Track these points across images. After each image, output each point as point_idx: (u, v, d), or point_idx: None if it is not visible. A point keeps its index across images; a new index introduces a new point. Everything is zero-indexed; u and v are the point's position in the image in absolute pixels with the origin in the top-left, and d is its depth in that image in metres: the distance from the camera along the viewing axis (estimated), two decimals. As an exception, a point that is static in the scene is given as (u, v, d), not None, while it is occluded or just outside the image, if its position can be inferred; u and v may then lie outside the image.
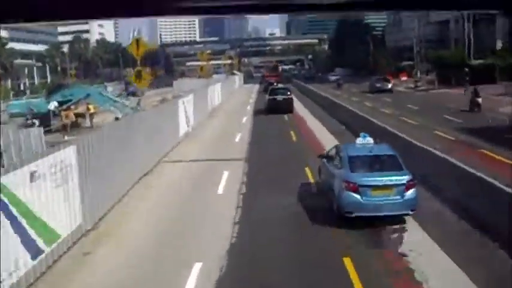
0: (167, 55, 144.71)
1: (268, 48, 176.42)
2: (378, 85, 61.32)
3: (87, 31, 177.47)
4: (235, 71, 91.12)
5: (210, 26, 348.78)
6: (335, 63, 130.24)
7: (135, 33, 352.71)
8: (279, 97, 40.63)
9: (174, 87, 72.20)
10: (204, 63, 72.76)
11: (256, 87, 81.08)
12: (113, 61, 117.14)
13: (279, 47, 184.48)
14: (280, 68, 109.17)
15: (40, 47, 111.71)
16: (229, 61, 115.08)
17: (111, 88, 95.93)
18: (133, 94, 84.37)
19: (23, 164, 9.70)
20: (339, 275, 9.79)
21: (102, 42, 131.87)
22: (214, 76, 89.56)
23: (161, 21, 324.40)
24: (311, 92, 58.21)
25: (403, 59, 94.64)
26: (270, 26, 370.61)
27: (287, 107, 39.45)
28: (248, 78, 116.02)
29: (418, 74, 71.35)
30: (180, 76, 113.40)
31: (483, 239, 11.07)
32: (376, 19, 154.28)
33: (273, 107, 39.61)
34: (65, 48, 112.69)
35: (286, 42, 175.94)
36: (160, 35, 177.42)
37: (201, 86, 49.34)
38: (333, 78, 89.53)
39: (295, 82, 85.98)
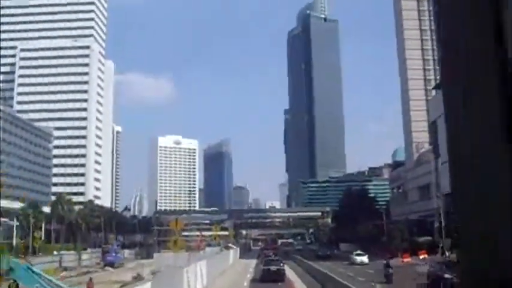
0: (160, 223, 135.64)
1: (268, 220, 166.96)
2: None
3: (82, 193, 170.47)
4: (230, 244, 79.95)
5: (210, 196, 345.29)
6: (339, 237, 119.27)
7: (137, 199, 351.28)
8: (273, 267, 44.03)
9: (155, 260, 61.33)
10: (197, 233, 65.71)
11: (254, 263, 68.40)
12: (98, 225, 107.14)
13: (279, 220, 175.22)
14: (279, 242, 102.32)
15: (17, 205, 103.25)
16: (225, 232, 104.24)
17: (86, 256, 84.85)
18: (112, 265, 73.47)
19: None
20: None
21: (90, 205, 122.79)
22: (207, 249, 79.19)
23: (162, 188, 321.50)
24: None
25: (414, 234, 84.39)
26: (270, 198, 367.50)
27: (279, 277, 42.31)
28: (245, 252, 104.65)
29: (447, 253, 59.96)
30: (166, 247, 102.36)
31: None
32: (379, 191, 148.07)
33: (267, 276, 42.55)
34: (46, 207, 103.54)
35: (287, 214, 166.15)
36: (156, 201, 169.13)
37: (182, 261, 38.10)
38: (358, 259, 67.73)
39: (298, 259, 73.31)
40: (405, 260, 64.47)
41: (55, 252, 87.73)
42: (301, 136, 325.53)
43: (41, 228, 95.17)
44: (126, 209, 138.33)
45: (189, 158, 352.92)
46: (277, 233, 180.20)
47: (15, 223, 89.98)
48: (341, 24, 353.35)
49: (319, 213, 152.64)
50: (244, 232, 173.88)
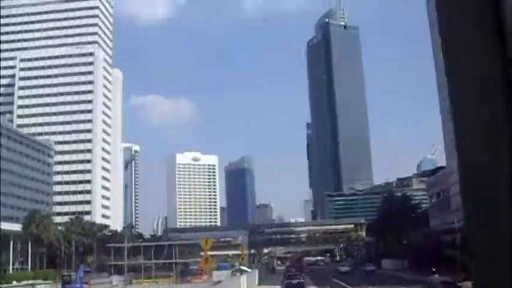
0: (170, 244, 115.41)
1: (293, 236, 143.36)
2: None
3: (88, 212, 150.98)
4: (243, 267, 57.65)
5: (233, 214, 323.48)
6: (379, 252, 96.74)
7: (160, 220, 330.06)
8: (294, 281, 51.02)
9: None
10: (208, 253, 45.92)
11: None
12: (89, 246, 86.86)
13: (305, 235, 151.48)
14: (304, 260, 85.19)
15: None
16: (236, 252, 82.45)
17: None
18: None
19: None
20: None
21: (78, 222, 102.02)
22: (215, 273, 58.38)
23: (181, 206, 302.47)
24: None
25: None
26: (294, 215, 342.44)
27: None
28: (268, 275, 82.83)
29: None
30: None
31: None
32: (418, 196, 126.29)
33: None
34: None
35: (314, 228, 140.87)
36: (166, 218, 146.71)
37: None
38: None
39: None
40: None
41: (25, 282, 67.47)
42: (325, 150, 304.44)
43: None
44: (129, 226, 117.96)
45: (209, 175, 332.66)
46: (303, 250, 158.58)
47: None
48: (362, 31, 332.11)
49: (352, 226, 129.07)
50: (268, 250, 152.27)
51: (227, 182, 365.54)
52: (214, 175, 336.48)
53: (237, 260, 75.71)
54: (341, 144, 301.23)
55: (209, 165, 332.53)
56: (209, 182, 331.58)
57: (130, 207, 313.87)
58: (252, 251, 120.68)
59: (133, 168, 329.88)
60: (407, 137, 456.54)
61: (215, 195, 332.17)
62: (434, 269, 52.69)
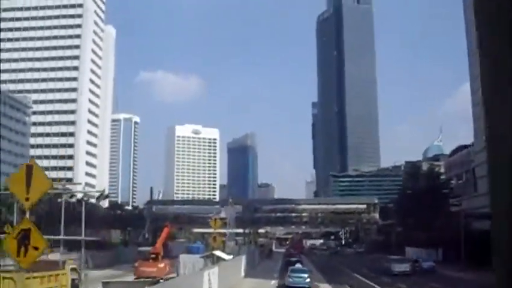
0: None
1: (294, 215, 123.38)
2: None
3: (69, 179, 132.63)
4: (218, 251, 37.20)
5: (234, 192, 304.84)
6: (399, 238, 77.97)
7: (160, 194, 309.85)
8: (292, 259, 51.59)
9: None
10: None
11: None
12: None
13: (307, 214, 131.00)
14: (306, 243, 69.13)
15: None
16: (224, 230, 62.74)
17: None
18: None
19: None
20: None
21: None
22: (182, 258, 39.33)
23: (178, 179, 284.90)
24: None
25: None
26: (296, 196, 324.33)
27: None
28: (262, 260, 64.36)
29: None
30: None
31: None
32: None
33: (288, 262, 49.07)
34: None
35: (319, 207, 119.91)
36: (151, 189, 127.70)
37: None
38: None
39: None
40: None
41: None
42: (331, 130, 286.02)
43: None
44: (102, 195, 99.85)
45: (209, 149, 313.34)
46: (304, 232, 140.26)
47: None
48: (376, 5, 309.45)
49: (364, 206, 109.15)
50: (266, 230, 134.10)
51: (229, 159, 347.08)
52: (215, 149, 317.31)
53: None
54: (348, 124, 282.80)
55: (210, 138, 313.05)
56: (209, 156, 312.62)
57: (129, 179, 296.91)
58: (247, 231, 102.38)
59: (132, 140, 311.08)
60: (417, 120, 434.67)
61: (215, 170, 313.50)
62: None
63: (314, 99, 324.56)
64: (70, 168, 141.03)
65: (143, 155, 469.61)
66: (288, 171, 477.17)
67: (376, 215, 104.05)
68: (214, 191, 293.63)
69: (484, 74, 2.09)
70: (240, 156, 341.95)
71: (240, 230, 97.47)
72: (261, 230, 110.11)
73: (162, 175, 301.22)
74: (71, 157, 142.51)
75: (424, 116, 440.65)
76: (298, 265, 40.80)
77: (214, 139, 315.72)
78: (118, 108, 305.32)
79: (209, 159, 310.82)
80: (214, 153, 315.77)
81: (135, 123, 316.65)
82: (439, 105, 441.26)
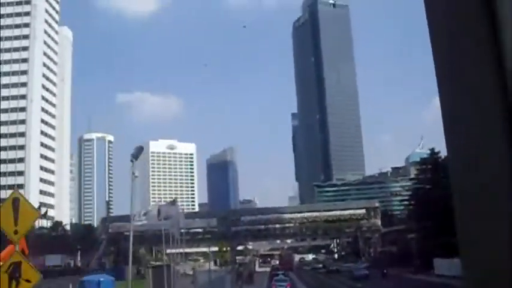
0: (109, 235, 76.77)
1: (278, 226, 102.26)
2: None
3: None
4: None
5: (215, 210, 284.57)
6: (424, 249, 59.44)
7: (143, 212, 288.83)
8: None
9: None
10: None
11: None
12: None
13: (292, 225, 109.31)
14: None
15: None
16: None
17: None
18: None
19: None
20: None
21: None
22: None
23: (155, 198, 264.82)
24: None
25: None
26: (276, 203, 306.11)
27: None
28: (238, 287, 45.37)
29: None
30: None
31: None
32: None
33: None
34: None
35: (310, 214, 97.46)
36: (108, 202, 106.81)
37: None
38: None
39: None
40: None
41: None
42: (313, 140, 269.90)
43: None
44: (45, 214, 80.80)
45: (186, 164, 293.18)
46: (289, 247, 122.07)
47: None
48: (352, 10, 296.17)
49: (363, 211, 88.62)
50: (248, 247, 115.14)
51: (208, 175, 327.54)
52: (191, 165, 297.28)
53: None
54: (330, 133, 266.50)
55: (186, 154, 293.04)
56: (186, 172, 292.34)
57: (104, 198, 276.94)
58: (225, 248, 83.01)
59: (106, 159, 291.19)
60: (398, 127, 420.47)
61: (193, 186, 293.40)
62: None
63: (294, 109, 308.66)
64: (20, 186, 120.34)
65: (119, 174, 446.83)
66: (270, 185, 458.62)
67: (378, 221, 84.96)
68: (194, 208, 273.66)
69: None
70: (220, 172, 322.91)
71: (215, 248, 78.38)
72: (239, 247, 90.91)
73: (138, 192, 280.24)
74: (21, 173, 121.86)
75: (406, 123, 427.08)
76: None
77: (191, 154, 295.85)
78: (90, 128, 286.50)
79: (186, 176, 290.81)
80: (192, 169, 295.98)
81: (109, 142, 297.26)
82: (422, 112, 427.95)
